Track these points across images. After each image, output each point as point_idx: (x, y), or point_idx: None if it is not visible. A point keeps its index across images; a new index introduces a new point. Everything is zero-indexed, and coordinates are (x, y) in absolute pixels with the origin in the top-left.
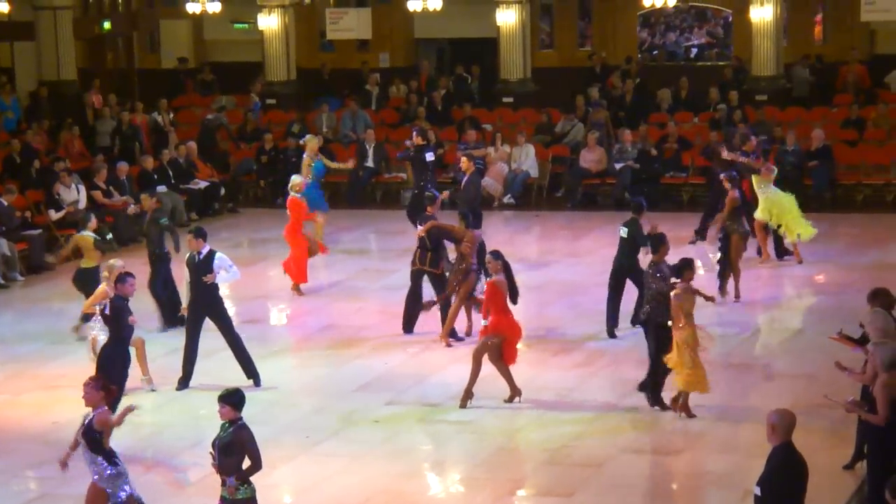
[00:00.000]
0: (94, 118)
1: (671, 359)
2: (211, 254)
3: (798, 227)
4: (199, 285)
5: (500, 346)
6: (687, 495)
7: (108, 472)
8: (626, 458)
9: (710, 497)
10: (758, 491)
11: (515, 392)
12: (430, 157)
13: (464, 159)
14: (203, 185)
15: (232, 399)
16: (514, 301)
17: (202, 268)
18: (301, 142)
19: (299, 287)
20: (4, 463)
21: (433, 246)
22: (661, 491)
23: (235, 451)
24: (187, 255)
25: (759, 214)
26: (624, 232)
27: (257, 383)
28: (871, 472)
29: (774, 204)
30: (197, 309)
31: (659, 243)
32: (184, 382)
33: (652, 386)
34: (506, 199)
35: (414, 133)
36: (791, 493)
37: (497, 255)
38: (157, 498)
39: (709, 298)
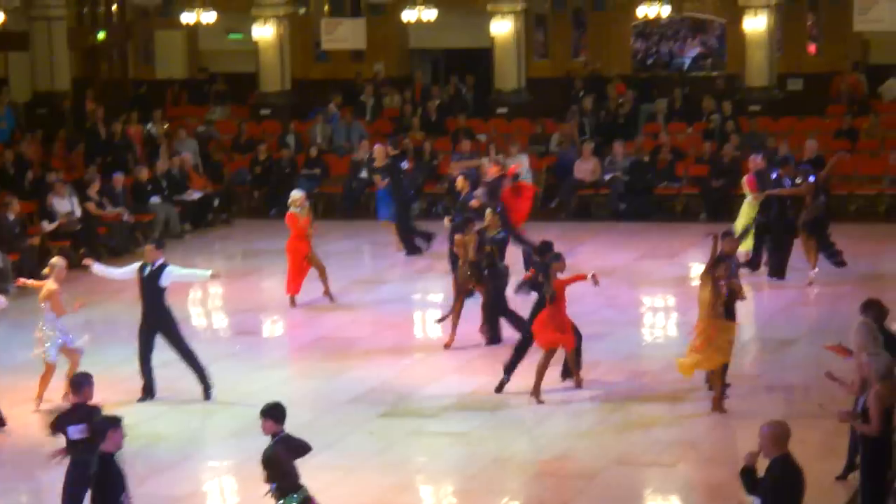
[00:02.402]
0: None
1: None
2: (161, 267)
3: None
4: (148, 297)
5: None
6: None
7: None
8: (618, 469)
9: None
10: (756, 502)
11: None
12: (404, 165)
13: (460, 178)
14: (197, 195)
15: (273, 413)
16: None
17: (151, 279)
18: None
19: (294, 300)
20: None
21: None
22: (652, 503)
23: (274, 464)
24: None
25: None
26: None
27: (207, 396)
28: (864, 482)
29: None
30: (147, 321)
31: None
32: (147, 393)
33: None
34: (499, 210)
35: (388, 144)
36: (790, 502)
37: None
38: None
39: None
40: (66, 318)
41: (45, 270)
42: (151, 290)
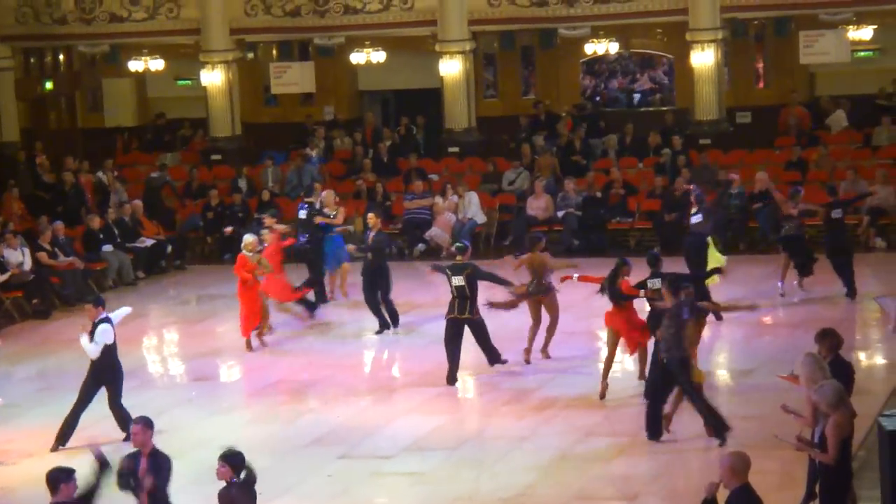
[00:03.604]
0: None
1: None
2: (98, 323)
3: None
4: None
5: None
6: None
7: None
8: None
9: None
10: None
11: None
12: (301, 214)
13: (371, 215)
14: (149, 242)
15: (233, 460)
16: None
17: (93, 336)
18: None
19: (250, 342)
20: None
21: (472, 294)
22: None
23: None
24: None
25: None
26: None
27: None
28: None
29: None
30: (94, 373)
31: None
32: (61, 441)
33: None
34: (454, 249)
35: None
36: None
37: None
38: None
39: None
40: None
41: None
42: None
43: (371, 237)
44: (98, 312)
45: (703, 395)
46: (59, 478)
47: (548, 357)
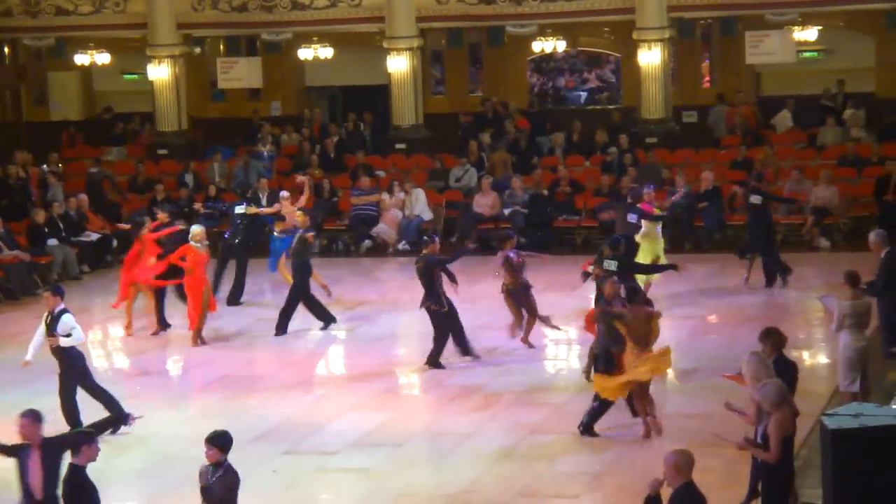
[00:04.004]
0: None
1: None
2: (60, 314)
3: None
4: (55, 348)
5: None
6: None
7: None
8: (523, 502)
9: None
10: None
11: None
12: (238, 209)
13: (299, 213)
14: (95, 237)
15: (219, 441)
16: None
17: (52, 327)
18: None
19: (200, 335)
20: None
21: (426, 284)
22: None
23: (215, 495)
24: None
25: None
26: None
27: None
28: None
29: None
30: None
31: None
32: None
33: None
34: (400, 246)
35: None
36: None
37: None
38: None
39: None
40: None
41: None
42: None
43: (297, 235)
44: (56, 302)
45: (637, 394)
46: (82, 440)
47: (530, 346)
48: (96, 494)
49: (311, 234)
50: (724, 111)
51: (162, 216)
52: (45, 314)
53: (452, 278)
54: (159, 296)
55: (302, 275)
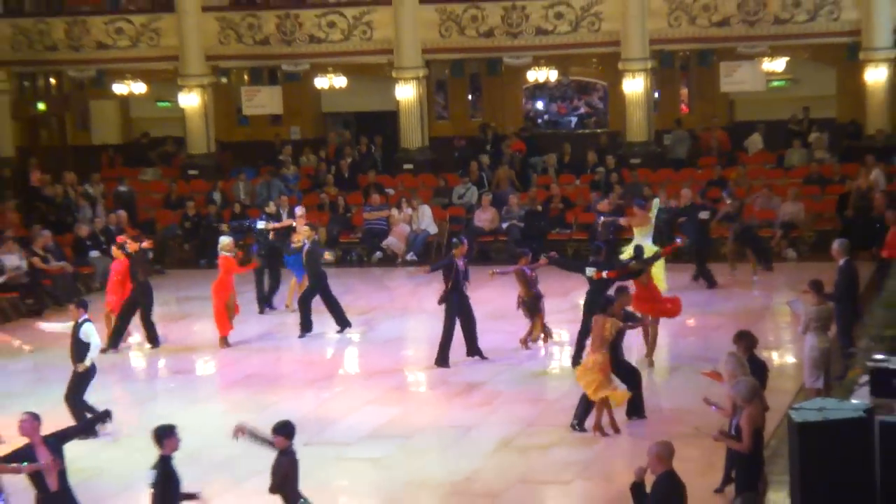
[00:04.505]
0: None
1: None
2: (82, 323)
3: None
4: (74, 350)
5: None
6: None
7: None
8: (521, 488)
9: None
10: None
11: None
12: (259, 224)
13: (305, 228)
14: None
15: (284, 430)
16: None
17: (74, 334)
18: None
19: (226, 339)
20: None
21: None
22: None
23: (281, 475)
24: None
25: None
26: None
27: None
28: (738, 493)
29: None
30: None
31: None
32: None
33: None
34: (408, 257)
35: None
36: None
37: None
38: None
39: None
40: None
41: None
42: (76, 343)
43: (305, 248)
44: (80, 313)
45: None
46: (163, 433)
47: (528, 348)
48: (180, 483)
49: (316, 241)
50: (682, 135)
51: (133, 245)
52: (72, 323)
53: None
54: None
55: (317, 280)
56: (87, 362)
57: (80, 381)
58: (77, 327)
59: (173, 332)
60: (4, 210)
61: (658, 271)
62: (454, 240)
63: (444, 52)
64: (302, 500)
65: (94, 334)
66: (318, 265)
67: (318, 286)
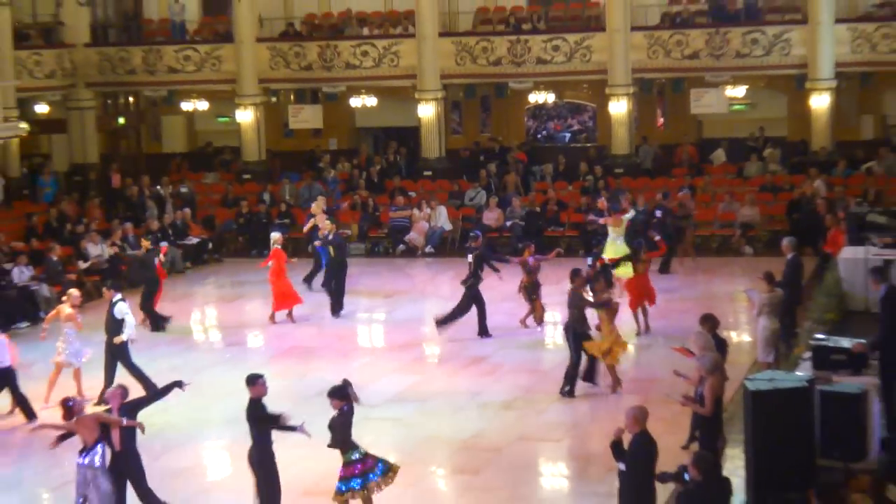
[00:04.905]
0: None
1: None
2: (115, 303)
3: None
4: (108, 327)
5: None
6: (565, 472)
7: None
8: (520, 444)
9: (583, 473)
10: (622, 467)
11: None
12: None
13: (326, 222)
14: (195, 240)
15: (339, 393)
16: None
17: (108, 312)
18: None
19: (291, 313)
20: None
21: (475, 269)
22: (546, 469)
23: (339, 429)
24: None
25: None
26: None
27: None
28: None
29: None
30: (109, 346)
31: (574, 275)
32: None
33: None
34: (427, 249)
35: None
36: (648, 467)
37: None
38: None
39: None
40: (79, 335)
41: (64, 298)
42: (110, 321)
43: (330, 238)
44: (112, 294)
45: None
46: (252, 379)
47: (526, 327)
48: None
49: (341, 233)
50: (648, 150)
51: (145, 243)
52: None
53: (496, 269)
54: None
55: (335, 271)
56: (125, 336)
57: (120, 351)
58: (112, 306)
59: (228, 311)
60: (90, 207)
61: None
62: (471, 234)
63: (459, 78)
64: (357, 448)
65: (127, 312)
66: (344, 257)
67: (338, 272)
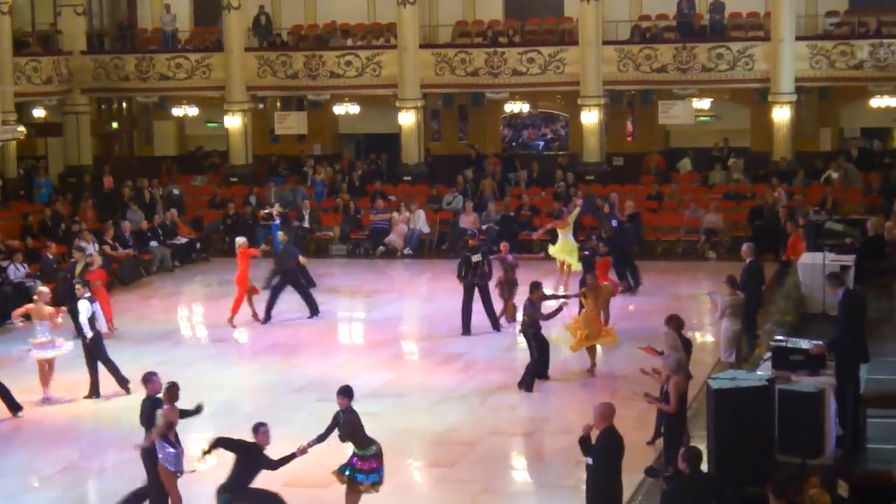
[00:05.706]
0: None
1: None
2: (79, 300)
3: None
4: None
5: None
6: (536, 465)
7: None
8: (492, 438)
9: (552, 466)
10: (590, 461)
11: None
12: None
13: (280, 234)
14: (184, 240)
15: (347, 392)
16: None
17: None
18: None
19: (233, 319)
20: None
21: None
22: (517, 462)
23: (349, 429)
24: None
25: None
26: None
27: (128, 391)
28: (666, 446)
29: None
30: (84, 344)
31: (534, 287)
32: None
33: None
34: (406, 251)
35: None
36: (614, 461)
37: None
38: None
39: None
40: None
41: (35, 297)
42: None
43: (280, 249)
44: (82, 291)
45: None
46: (255, 429)
47: (500, 325)
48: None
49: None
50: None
51: (95, 257)
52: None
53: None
54: None
55: (288, 275)
56: (88, 332)
57: (94, 347)
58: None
59: (214, 309)
60: (83, 207)
61: (572, 255)
62: (468, 231)
63: (438, 88)
64: (375, 442)
65: (86, 310)
66: (288, 263)
67: (289, 280)
